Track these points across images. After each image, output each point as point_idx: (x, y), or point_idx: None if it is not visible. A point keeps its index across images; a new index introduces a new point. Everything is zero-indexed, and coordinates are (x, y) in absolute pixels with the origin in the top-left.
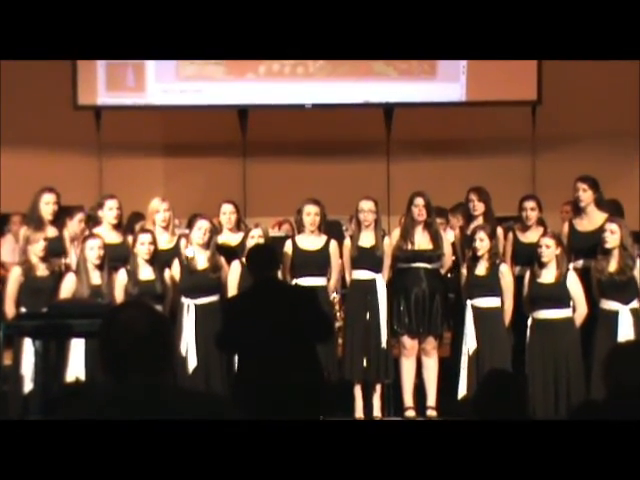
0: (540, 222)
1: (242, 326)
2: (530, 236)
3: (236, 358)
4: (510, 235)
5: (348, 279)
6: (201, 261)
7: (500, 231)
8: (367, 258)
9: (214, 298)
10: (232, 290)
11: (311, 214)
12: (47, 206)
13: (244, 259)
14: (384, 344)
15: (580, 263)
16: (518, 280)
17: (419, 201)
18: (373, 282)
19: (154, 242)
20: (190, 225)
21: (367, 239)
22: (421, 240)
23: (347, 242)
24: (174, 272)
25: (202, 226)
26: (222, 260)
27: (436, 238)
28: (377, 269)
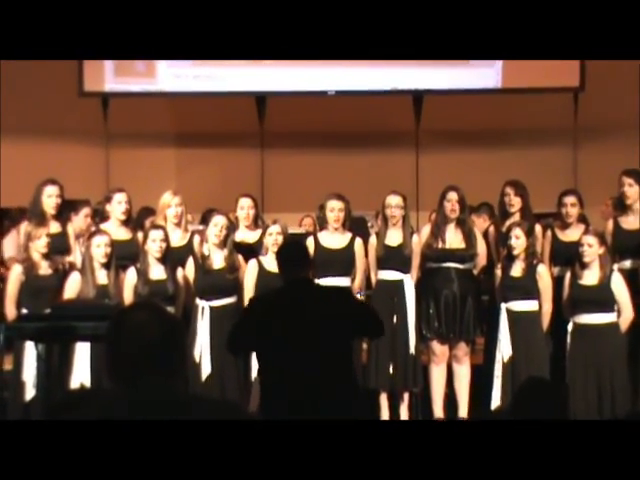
0: (581, 219)
1: (267, 332)
2: (570, 234)
3: (259, 366)
4: (549, 233)
5: (374, 280)
6: (217, 260)
7: (538, 229)
8: (394, 257)
9: (231, 300)
10: (248, 291)
11: (335, 210)
12: (50, 199)
13: (275, 257)
14: (412, 350)
15: (626, 264)
16: (557, 282)
17: (452, 196)
18: (400, 283)
19: (166, 239)
20: (204, 221)
21: (394, 237)
22: (453, 238)
23: (373, 240)
24: (188, 271)
25: (218, 222)
26: (240, 259)
27: (469, 236)
28: (405, 269)
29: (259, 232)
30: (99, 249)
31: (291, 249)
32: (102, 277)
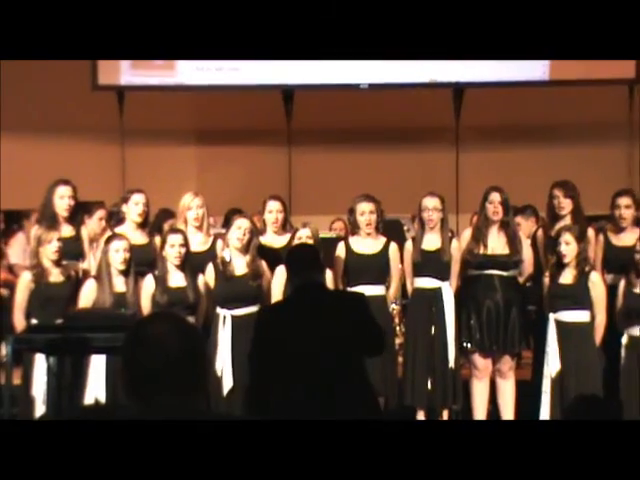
0: (637, 222)
1: (276, 342)
2: (625, 239)
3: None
4: (601, 238)
5: (410, 288)
6: (239, 266)
7: (590, 233)
8: (432, 263)
9: (254, 308)
10: (277, 299)
11: (365, 213)
12: (62, 201)
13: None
14: (452, 364)
15: None
16: (611, 290)
17: (495, 197)
18: (439, 291)
19: (186, 244)
20: (227, 224)
21: (432, 241)
22: (496, 243)
23: (409, 245)
24: (208, 278)
25: (241, 225)
26: (264, 265)
27: (513, 241)
28: (443, 276)
29: (287, 236)
30: (118, 254)
31: (300, 252)
32: (119, 284)
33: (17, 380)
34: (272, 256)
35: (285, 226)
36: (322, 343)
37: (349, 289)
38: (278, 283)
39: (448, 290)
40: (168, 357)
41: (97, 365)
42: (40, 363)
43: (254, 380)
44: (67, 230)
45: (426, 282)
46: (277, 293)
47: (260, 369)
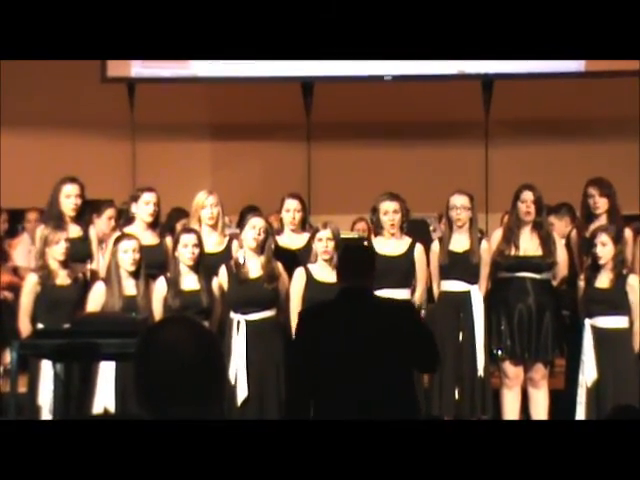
0: None
1: (315, 351)
2: None
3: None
4: None
5: (436, 291)
6: (254, 268)
7: (628, 233)
8: (460, 265)
9: (269, 313)
10: (295, 304)
11: (388, 212)
12: (69, 200)
13: (336, 261)
14: (481, 372)
15: None
16: None
17: (527, 195)
18: (467, 295)
19: (199, 244)
20: (242, 223)
21: (460, 242)
22: (528, 244)
23: (435, 246)
24: (222, 281)
25: (256, 224)
26: (280, 267)
27: (547, 242)
28: (472, 279)
29: (306, 237)
30: (127, 255)
31: (355, 253)
32: (130, 287)
33: (22, 388)
34: (289, 257)
35: (304, 226)
36: (367, 355)
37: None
38: (297, 286)
39: (477, 294)
40: (183, 364)
41: (106, 372)
42: (46, 370)
43: (291, 393)
44: (74, 230)
45: (454, 285)
46: (296, 297)
47: (296, 381)
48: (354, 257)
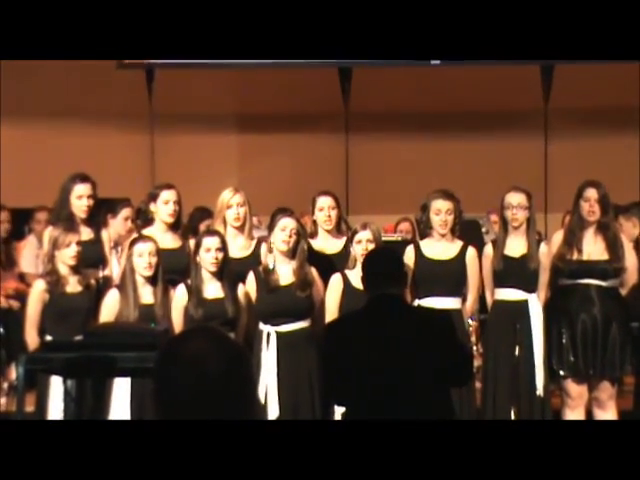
0: None
1: (345, 363)
2: None
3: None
4: None
5: (490, 300)
6: (285, 274)
7: None
8: (516, 271)
9: (302, 324)
10: (331, 313)
11: (441, 212)
12: (80, 202)
13: (360, 268)
14: (540, 390)
15: None
16: None
17: (591, 193)
18: (524, 304)
19: (224, 248)
20: (272, 225)
21: (516, 245)
22: (592, 248)
23: (489, 249)
24: (249, 289)
25: (286, 226)
26: (314, 273)
27: (614, 245)
28: (530, 287)
29: (343, 240)
30: (141, 259)
31: (381, 258)
32: (146, 295)
33: (30, 407)
34: (324, 262)
35: (340, 227)
36: (398, 369)
37: (419, 302)
38: (333, 294)
39: (536, 303)
40: (207, 380)
41: (122, 389)
42: (56, 387)
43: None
44: (86, 232)
45: (509, 294)
46: (332, 306)
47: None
48: (380, 263)
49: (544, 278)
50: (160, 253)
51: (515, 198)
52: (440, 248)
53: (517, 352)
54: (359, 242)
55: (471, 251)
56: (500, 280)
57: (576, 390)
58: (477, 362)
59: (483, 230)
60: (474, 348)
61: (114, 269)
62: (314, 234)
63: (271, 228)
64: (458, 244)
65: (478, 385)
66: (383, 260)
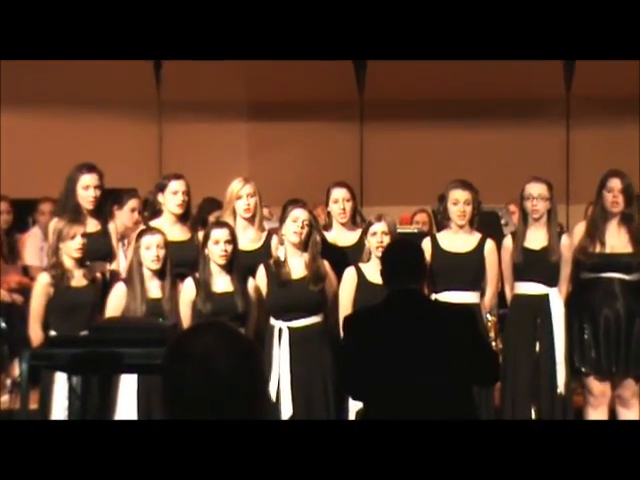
0: None
1: (370, 360)
2: None
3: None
4: None
5: (509, 294)
6: (297, 267)
7: None
8: (537, 265)
9: (315, 319)
10: (345, 308)
11: (460, 202)
12: (86, 192)
13: (379, 262)
14: (561, 389)
15: None
16: None
17: (615, 184)
18: (545, 299)
19: (233, 240)
20: (284, 216)
21: (537, 238)
22: (616, 240)
23: (508, 242)
24: (259, 282)
25: (298, 217)
26: (327, 266)
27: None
28: (551, 281)
29: (358, 232)
30: (149, 252)
31: (401, 250)
32: (154, 289)
33: (33, 404)
34: (338, 255)
35: (355, 219)
36: (419, 367)
37: (436, 296)
38: (347, 288)
39: (556, 298)
40: (218, 377)
41: (128, 386)
42: (61, 384)
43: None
44: (92, 224)
45: (530, 288)
46: (346, 301)
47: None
48: (401, 255)
49: (565, 272)
50: (168, 245)
51: (535, 189)
52: (458, 240)
53: (537, 348)
54: (374, 234)
55: (490, 244)
56: (520, 274)
57: (599, 388)
58: None
59: (502, 222)
60: (493, 344)
61: (121, 262)
62: (328, 226)
63: (282, 219)
64: (476, 236)
65: (497, 383)
66: (404, 252)
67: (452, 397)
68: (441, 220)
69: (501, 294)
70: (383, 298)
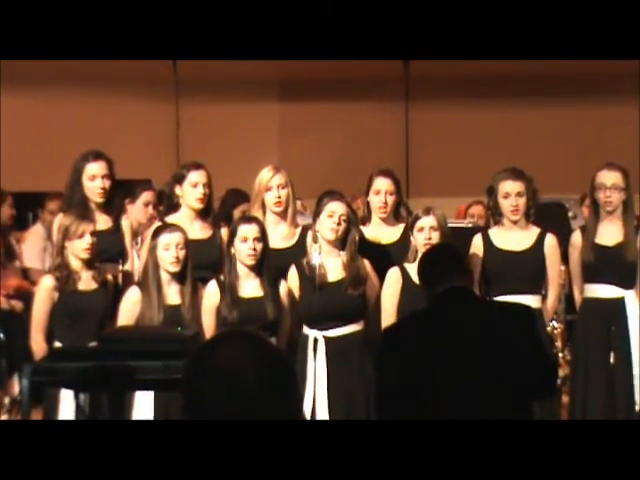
0: None
1: (409, 373)
2: None
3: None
4: None
5: (578, 298)
6: (333, 269)
7: None
8: (611, 264)
9: (355, 327)
10: (388, 313)
11: (510, 195)
12: (93, 183)
13: (414, 265)
14: (639, 405)
15: None
16: None
17: None
18: (620, 303)
19: (263, 237)
20: (318, 210)
21: (610, 233)
22: None
23: (576, 238)
24: (292, 285)
25: (334, 211)
26: (367, 267)
27: None
28: (627, 282)
29: (401, 227)
30: (168, 252)
31: (439, 253)
32: (172, 294)
33: None
34: (380, 254)
35: (398, 213)
36: (472, 375)
37: (489, 299)
38: (391, 292)
39: (634, 301)
40: (245, 394)
41: (143, 404)
42: (67, 402)
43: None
44: (102, 221)
45: (602, 290)
46: (389, 306)
47: (387, 410)
48: (438, 256)
49: None
50: (189, 245)
51: (609, 177)
52: (513, 237)
53: (612, 360)
54: (421, 230)
55: (550, 239)
56: (591, 274)
57: None
58: (563, 371)
59: (570, 214)
60: (559, 355)
61: (135, 263)
62: (366, 220)
63: (316, 214)
64: (534, 231)
65: (565, 399)
66: (442, 256)
67: (508, 412)
68: (492, 216)
69: (569, 298)
70: (428, 302)
